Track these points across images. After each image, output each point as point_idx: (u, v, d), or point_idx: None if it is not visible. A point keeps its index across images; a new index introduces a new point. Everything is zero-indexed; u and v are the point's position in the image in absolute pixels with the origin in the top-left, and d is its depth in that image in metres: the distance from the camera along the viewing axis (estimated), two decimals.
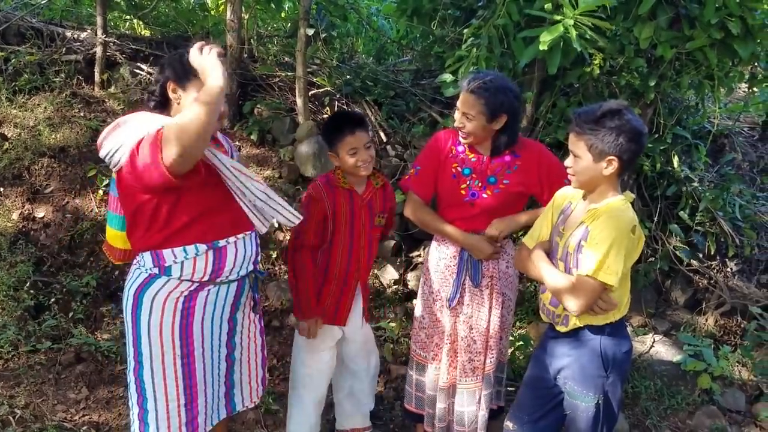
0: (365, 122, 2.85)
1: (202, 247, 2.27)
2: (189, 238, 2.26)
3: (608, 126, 2.20)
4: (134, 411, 2.38)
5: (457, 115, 2.80)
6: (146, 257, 2.30)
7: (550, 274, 2.39)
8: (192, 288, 2.31)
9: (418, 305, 3.12)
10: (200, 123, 1.99)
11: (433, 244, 3.06)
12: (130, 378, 2.37)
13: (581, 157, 2.28)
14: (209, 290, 2.34)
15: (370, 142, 2.80)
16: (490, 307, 2.91)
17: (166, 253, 2.26)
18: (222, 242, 2.31)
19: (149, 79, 4.80)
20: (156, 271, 2.29)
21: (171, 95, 2.29)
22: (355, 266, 2.90)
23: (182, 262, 2.27)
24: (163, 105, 2.33)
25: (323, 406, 3.12)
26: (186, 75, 2.24)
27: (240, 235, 2.37)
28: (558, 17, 3.34)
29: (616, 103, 2.26)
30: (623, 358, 2.39)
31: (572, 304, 2.28)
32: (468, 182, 2.86)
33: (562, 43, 3.45)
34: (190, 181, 2.17)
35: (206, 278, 2.32)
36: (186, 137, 2.01)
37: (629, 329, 4.05)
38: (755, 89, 4.53)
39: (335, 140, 2.77)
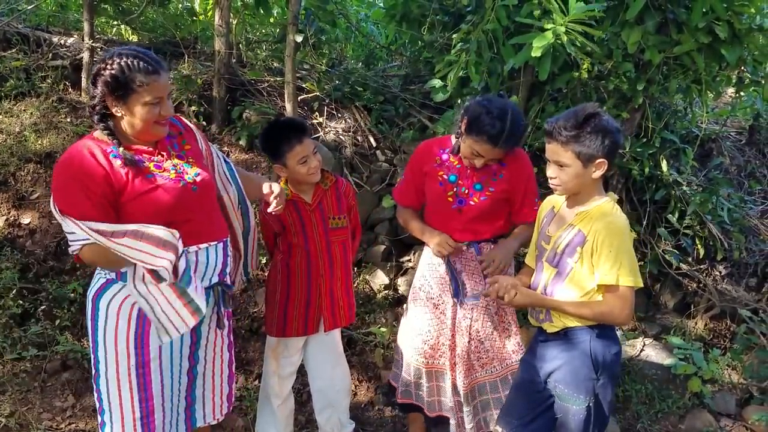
0: (308, 129, 2.83)
1: None
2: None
3: (590, 131, 2.21)
4: (99, 422, 2.34)
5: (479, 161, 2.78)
6: None
7: (573, 306, 2.35)
8: None
9: (411, 312, 3.08)
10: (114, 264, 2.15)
11: (428, 249, 3.05)
12: (94, 387, 2.33)
13: (569, 165, 2.27)
14: None
15: (316, 148, 2.80)
16: (497, 310, 2.93)
17: None
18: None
19: None
20: (112, 276, 2.22)
21: (112, 109, 2.16)
22: (317, 273, 2.88)
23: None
24: (107, 117, 2.19)
25: (292, 413, 3.14)
26: (125, 88, 2.09)
27: (203, 245, 2.28)
28: (548, 24, 3.35)
29: (590, 107, 2.26)
30: (613, 359, 2.39)
31: (614, 319, 2.30)
32: (455, 189, 2.87)
33: (551, 49, 3.47)
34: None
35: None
36: (103, 264, 2.20)
37: (619, 333, 4.05)
38: (742, 93, 4.57)
39: (284, 150, 2.71)
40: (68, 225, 2.11)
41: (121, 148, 2.17)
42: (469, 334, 2.90)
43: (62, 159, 2.16)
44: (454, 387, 2.96)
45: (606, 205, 2.31)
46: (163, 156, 2.27)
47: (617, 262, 2.21)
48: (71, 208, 2.09)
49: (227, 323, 2.49)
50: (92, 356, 2.29)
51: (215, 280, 2.36)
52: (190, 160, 2.33)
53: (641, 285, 2.27)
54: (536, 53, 3.35)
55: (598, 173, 2.26)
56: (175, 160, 2.29)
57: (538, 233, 2.58)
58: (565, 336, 2.40)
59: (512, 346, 2.97)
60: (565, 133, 2.23)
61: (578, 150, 2.23)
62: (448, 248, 2.86)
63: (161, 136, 2.25)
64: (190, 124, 2.49)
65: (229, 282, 2.45)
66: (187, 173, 2.27)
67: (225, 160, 2.57)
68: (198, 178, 2.29)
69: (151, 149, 2.25)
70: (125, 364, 2.23)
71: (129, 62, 2.09)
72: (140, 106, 2.13)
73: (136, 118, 2.16)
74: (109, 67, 2.09)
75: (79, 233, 2.10)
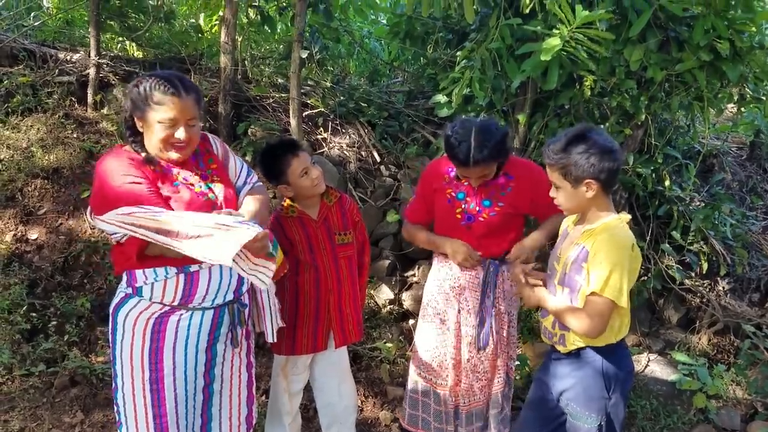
0: (301, 144, 2.90)
1: (172, 270, 2.22)
2: (159, 260, 2.20)
3: (576, 151, 2.26)
4: None
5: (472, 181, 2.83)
6: (124, 277, 2.29)
7: (550, 299, 2.41)
8: (163, 311, 2.25)
9: (421, 328, 3.09)
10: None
11: (435, 264, 3.07)
12: (114, 400, 2.36)
13: (562, 186, 2.34)
14: (181, 315, 2.26)
15: (313, 159, 2.84)
16: (499, 329, 2.93)
17: (138, 273, 2.23)
18: (194, 267, 2.23)
19: None
20: (129, 291, 2.27)
21: (138, 125, 2.24)
22: (325, 289, 2.89)
23: (152, 284, 2.22)
24: (138, 133, 2.27)
25: (300, 430, 3.18)
26: (143, 103, 2.18)
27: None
28: (554, 33, 3.39)
29: (581, 127, 2.33)
30: (625, 378, 2.40)
31: (579, 324, 2.29)
32: (463, 206, 2.89)
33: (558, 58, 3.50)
34: None
35: (176, 302, 2.25)
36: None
37: None
38: (743, 110, 4.61)
39: (283, 168, 2.74)
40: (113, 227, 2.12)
41: (144, 154, 2.23)
42: (471, 350, 2.92)
43: (100, 163, 2.21)
44: (456, 409, 2.98)
45: (611, 222, 2.33)
46: (191, 172, 2.31)
47: (607, 273, 2.22)
48: (116, 200, 2.11)
49: (245, 342, 2.50)
50: (112, 370, 2.32)
51: (230, 297, 2.37)
52: (216, 178, 2.36)
53: (623, 305, 2.26)
54: (545, 57, 3.37)
55: (590, 193, 2.29)
56: (200, 179, 2.33)
57: (551, 253, 2.60)
58: (577, 355, 2.42)
59: (506, 365, 2.99)
60: (552, 155, 2.31)
61: (565, 171, 2.29)
62: (473, 262, 2.89)
63: (176, 160, 2.27)
64: (216, 142, 2.50)
65: (245, 300, 2.46)
66: (211, 191, 2.32)
67: (246, 181, 2.55)
68: (221, 196, 2.33)
69: (178, 166, 2.30)
70: (140, 379, 2.26)
71: (152, 82, 2.16)
72: (156, 124, 2.19)
73: (153, 136, 2.21)
74: (136, 84, 2.19)
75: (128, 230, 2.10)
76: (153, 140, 2.22)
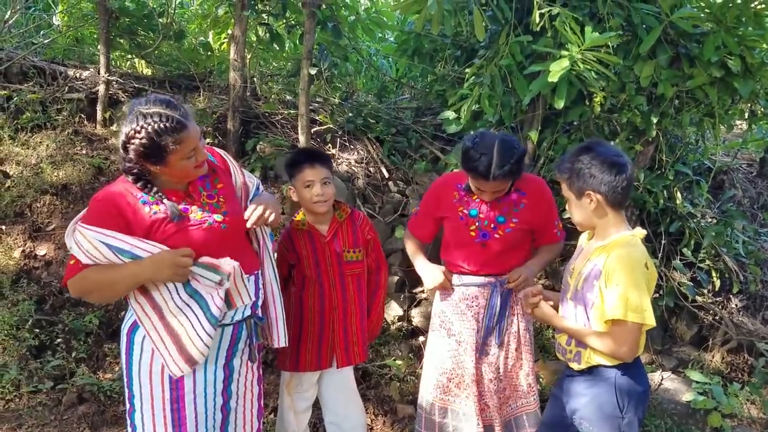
0: (328, 159, 2.86)
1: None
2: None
3: (580, 164, 2.29)
4: None
5: (485, 195, 2.81)
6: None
7: (585, 335, 2.36)
8: None
9: (433, 349, 3.04)
10: (112, 294, 2.23)
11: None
12: (127, 421, 2.31)
13: (569, 199, 2.38)
14: None
15: (330, 179, 2.79)
16: (518, 346, 2.91)
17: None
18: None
19: None
20: None
21: (151, 169, 2.16)
22: (330, 307, 2.85)
23: None
24: (144, 172, 2.19)
25: None
26: (161, 153, 2.08)
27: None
28: (564, 53, 3.39)
29: (589, 141, 2.39)
30: (640, 397, 2.35)
31: (607, 348, 2.27)
32: (477, 224, 2.86)
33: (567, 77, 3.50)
34: None
35: None
36: (93, 297, 2.26)
37: None
38: (753, 126, 4.59)
39: (294, 171, 2.77)
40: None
41: (165, 200, 2.17)
42: (497, 369, 2.87)
43: (91, 201, 2.18)
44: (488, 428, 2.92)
45: (623, 238, 2.31)
46: (192, 198, 2.26)
47: (623, 296, 2.20)
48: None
49: (257, 355, 2.47)
50: (127, 390, 2.27)
51: (247, 313, 2.35)
52: (221, 199, 2.32)
53: (651, 323, 2.23)
54: (553, 78, 3.38)
55: (592, 205, 2.30)
56: (205, 200, 2.28)
57: (564, 268, 2.58)
58: (591, 372, 2.38)
59: (527, 385, 2.95)
60: (560, 167, 2.37)
61: (569, 182, 2.34)
62: (443, 288, 2.95)
63: (201, 174, 2.27)
64: (224, 156, 2.48)
65: (260, 314, 2.44)
66: (212, 216, 2.26)
67: (258, 190, 2.55)
68: (227, 218, 2.28)
69: (180, 192, 2.25)
70: (159, 399, 2.22)
71: (156, 127, 2.05)
72: (178, 162, 2.14)
73: (176, 171, 2.18)
74: (138, 136, 2.06)
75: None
76: (182, 174, 2.19)
